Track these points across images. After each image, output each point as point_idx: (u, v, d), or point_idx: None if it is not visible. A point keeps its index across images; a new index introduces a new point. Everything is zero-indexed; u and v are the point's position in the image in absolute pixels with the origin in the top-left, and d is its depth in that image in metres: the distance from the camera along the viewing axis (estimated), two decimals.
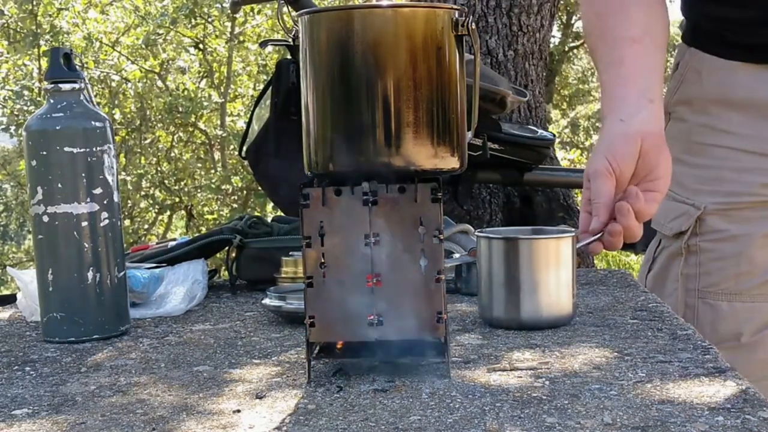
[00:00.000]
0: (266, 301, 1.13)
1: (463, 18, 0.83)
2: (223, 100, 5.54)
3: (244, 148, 2.21)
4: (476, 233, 1.08)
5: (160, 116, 5.45)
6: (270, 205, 5.05)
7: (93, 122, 1.05)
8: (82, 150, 1.03)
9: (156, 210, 5.76)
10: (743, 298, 1.27)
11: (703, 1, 1.44)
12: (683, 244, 1.40)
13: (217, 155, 5.83)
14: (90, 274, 1.04)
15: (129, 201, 5.41)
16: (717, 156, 1.40)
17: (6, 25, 5.35)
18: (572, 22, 8.04)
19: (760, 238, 1.40)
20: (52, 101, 1.05)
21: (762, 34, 1.34)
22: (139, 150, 5.73)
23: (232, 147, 5.52)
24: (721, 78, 1.40)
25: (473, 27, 0.84)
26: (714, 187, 1.40)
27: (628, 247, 1.70)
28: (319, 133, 0.82)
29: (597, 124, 8.56)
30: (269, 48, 4.99)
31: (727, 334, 1.22)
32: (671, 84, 1.47)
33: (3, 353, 1.02)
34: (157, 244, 1.44)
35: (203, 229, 5.39)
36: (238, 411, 0.77)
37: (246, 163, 2.60)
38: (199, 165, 5.74)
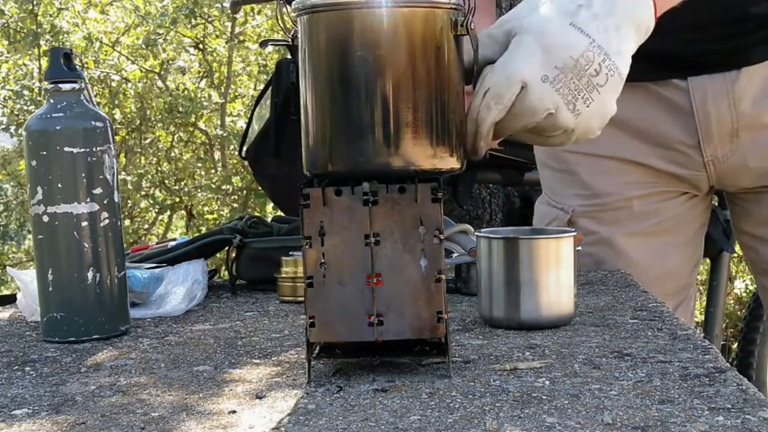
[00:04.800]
0: None
1: (463, 18, 0.83)
2: (223, 100, 5.53)
3: (244, 148, 2.22)
4: (476, 233, 1.08)
5: (160, 116, 5.45)
6: (270, 205, 5.05)
7: (93, 122, 1.05)
8: (82, 150, 1.03)
9: (156, 210, 5.75)
10: None
11: None
12: None
13: (217, 155, 5.83)
14: (90, 274, 1.04)
15: (129, 201, 5.41)
16: (573, 161, 1.42)
17: (6, 24, 5.34)
18: None
19: (628, 237, 1.40)
20: (52, 101, 1.05)
21: None
22: (139, 150, 5.73)
23: (232, 147, 5.51)
24: None
25: (473, 27, 0.84)
26: (578, 191, 1.41)
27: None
28: (317, 134, 0.82)
29: None
30: (269, 48, 5.00)
31: None
32: None
33: (3, 353, 1.02)
34: (157, 244, 1.44)
35: (203, 229, 5.39)
36: (238, 411, 0.77)
37: (246, 163, 2.61)
38: (199, 165, 5.74)
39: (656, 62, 1.31)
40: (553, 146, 0.95)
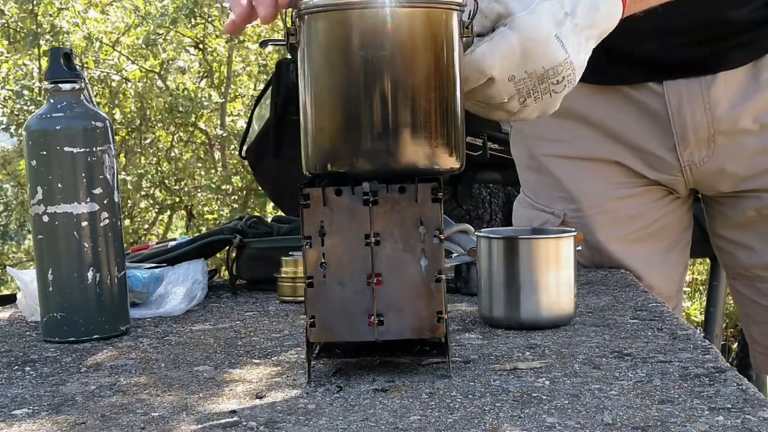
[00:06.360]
0: None
1: (468, 20, 0.83)
2: (223, 100, 5.54)
3: (244, 148, 2.22)
4: (476, 233, 1.08)
5: (160, 116, 5.45)
6: (270, 205, 5.06)
7: (93, 122, 1.05)
8: (82, 150, 1.03)
9: (156, 210, 5.76)
10: None
11: None
12: None
13: (217, 155, 5.83)
14: (90, 274, 1.04)
15: (129, 201, 5.41)
16: (552, 165, 1.42)
17: (6, 24, 5.35)
18: None
19: (619, 244, 1.40)
20: (52, 101, 1.05)
21: None
22: (139, 150, 5.73)
23: (232, 147, 5.52)
24: None
25: (475, 29, 0.84)
26: (562, 194, 1.41)
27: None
28: (317, 133, 0.82)
29: None
30: (269, 48, 5.00)
31: None
32: None
33: (3, 353, 1.02)
34: (157, 244, 1.44)
35: (203, 229, 5.39)
36: (238, 411, 0.77)
37: (246, 163, 2.61)
38: (199, 165, 5.74)
39: (632, 66, 1.31)
40: (487, 117, 0.98)
